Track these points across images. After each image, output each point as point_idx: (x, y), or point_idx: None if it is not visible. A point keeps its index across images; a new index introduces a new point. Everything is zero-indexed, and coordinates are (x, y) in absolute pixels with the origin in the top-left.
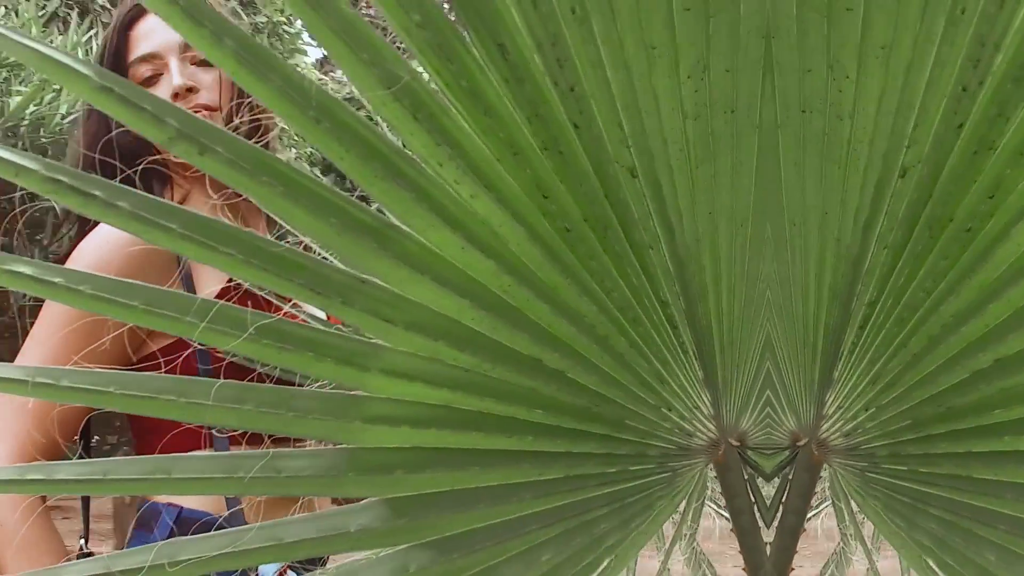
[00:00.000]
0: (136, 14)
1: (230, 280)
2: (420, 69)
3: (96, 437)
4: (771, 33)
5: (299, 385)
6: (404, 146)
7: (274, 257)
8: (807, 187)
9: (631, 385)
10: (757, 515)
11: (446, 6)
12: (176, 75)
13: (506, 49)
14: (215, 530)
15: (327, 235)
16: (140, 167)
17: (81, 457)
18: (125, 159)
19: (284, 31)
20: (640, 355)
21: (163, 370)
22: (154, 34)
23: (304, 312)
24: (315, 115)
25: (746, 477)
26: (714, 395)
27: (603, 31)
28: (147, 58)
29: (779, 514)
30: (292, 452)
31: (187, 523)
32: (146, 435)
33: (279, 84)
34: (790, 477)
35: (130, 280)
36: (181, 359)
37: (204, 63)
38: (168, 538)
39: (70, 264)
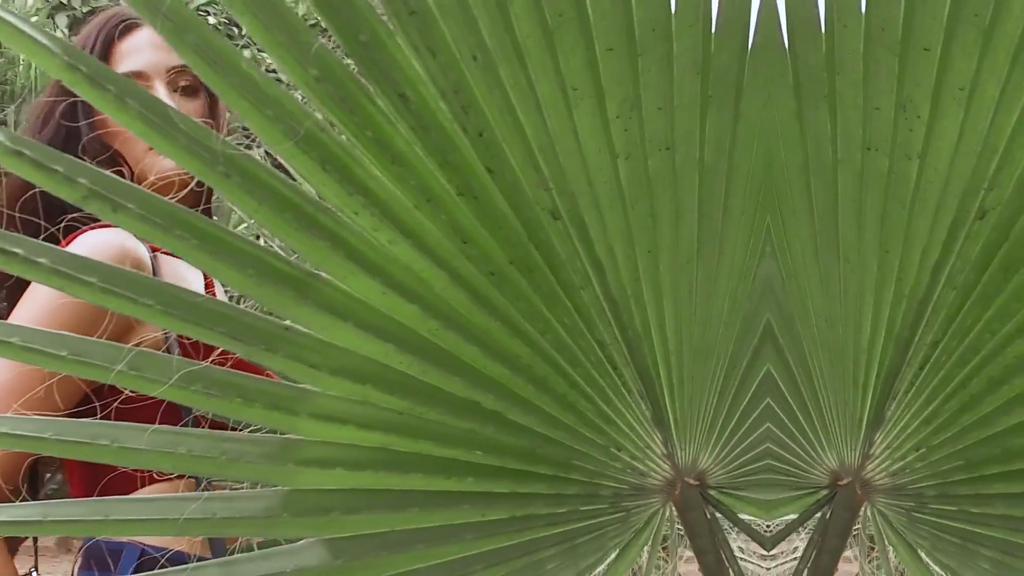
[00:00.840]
0: (125, 27)
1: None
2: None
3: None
4: (836, 69)
5: (233, 428)
6: (319, 196)
7: (194, 307)
8: (866, 224)
9: (575, 426)
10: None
11: (346, 60)
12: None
13: (408, 99)
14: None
15: (247, 285)
16: (62, 223)
17: (25, 498)
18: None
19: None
20: (582, 396)
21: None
22: (141, 53)
23: None
24: (224, 170)
25: (708, 517)
26: (665, 434)
27: (511, 76)
28: (132, 75)
29: (808, 554)
30: (228, 494)
31: (149, 564)
32: (84, 473)
33: (185, 143)
34: (827, 517)
35: (58, 331)
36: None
37: (189, 90)
38: None
39: (23, 304)
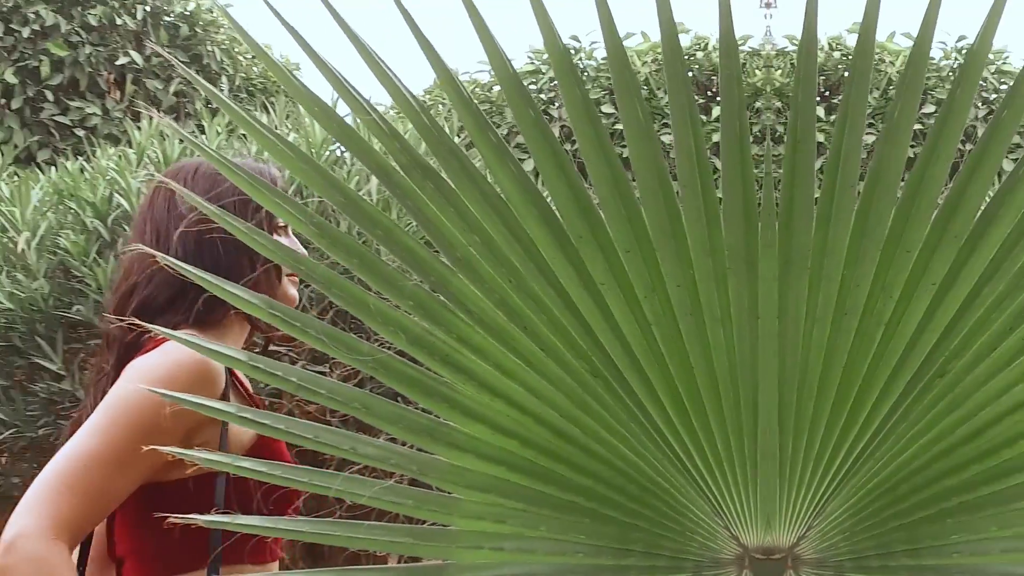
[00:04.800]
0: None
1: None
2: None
3: None
4: (826, 252)
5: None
6: (435, 374)
7: (382, 410)
8: (832, 371)
9: (656, 517)
10: None
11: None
12: (298, 246)
13: (473, 312)
14: None
15: (399, 432)
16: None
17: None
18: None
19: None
20: (655, 497)
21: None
22: None
23: None
24: (373, 366)
25: None
26: (726, 520)
27: (540, 288)
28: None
29: None
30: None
31: None
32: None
33: (344, 349)
34: None
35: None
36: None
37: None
38: None
39: (141, 364)
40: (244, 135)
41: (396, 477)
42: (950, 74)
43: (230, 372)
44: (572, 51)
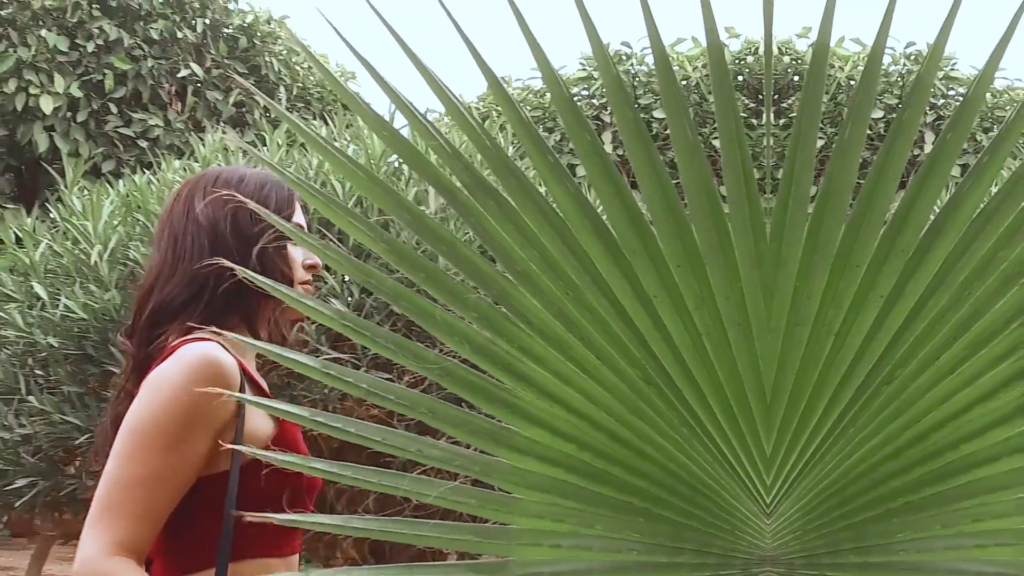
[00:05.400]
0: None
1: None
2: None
3: None
4: (779, 264)
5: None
6: (498, 381)
7: (448, 414)
8: (785, 378)
9: (706, 517)
10: None
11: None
12: (312, 255)
13: (534, 324)
14: None
15: (462, 435)
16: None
17: None
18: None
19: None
20: (705, 499)
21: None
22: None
23: None
24: (438, 371)
25: None
26: (771, 522)
27: (596, 300)
28: (300, 226)
29: None
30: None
31: None
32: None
33: (411, 357)
34: None
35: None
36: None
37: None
38: None
39: (157, 376)
40: (304, 146)
41: (460, 478)
42: (899, 79)
43: (244, 371)
44: (623, 57)
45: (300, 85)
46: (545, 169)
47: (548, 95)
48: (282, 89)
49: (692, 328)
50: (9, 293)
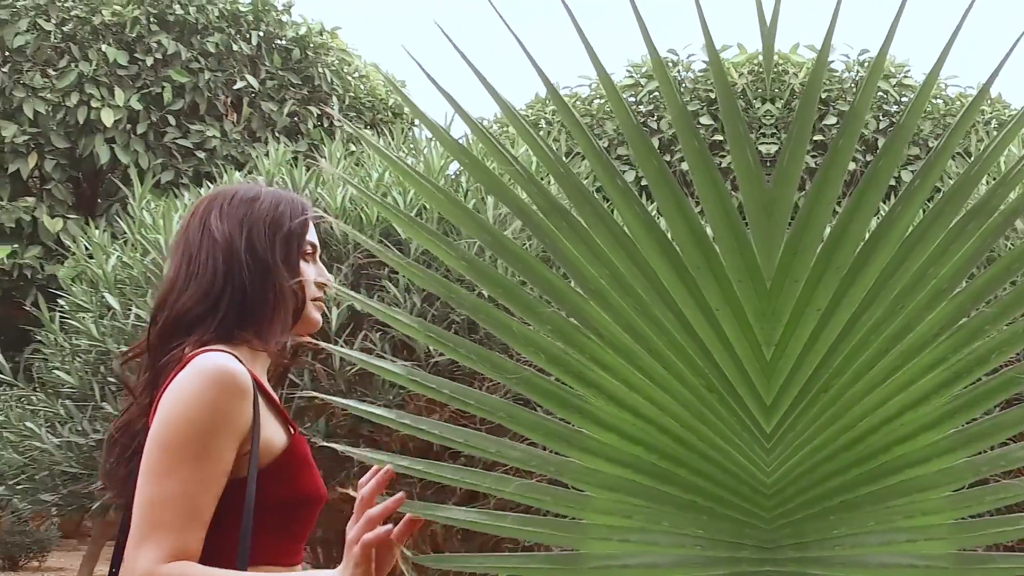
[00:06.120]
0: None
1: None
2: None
3: None
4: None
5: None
6: (571, 387)
7: (523, 419)
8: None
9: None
10: None
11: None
12: (324, 272)
13: (600, 340)
14: None
15: (538, 438)
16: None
17: None
18: None
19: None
20: (765, 499)
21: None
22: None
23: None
24: (515, 380)
25: None
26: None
27: (663, 313)
28: (313, 245)
29: None
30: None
31: None
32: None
33: (490, 367)
34: None
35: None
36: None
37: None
38: None
39: (175, 388)
40: (359, 158)
41: (536, 477)
42: (852, 86)
43: (256, 381)
44: (671, 64)
45: (352, 95)
46: (616, 194)
47: (596, 102)
48: (334, 99)
49: (753, 339)
50: (80, 303)
